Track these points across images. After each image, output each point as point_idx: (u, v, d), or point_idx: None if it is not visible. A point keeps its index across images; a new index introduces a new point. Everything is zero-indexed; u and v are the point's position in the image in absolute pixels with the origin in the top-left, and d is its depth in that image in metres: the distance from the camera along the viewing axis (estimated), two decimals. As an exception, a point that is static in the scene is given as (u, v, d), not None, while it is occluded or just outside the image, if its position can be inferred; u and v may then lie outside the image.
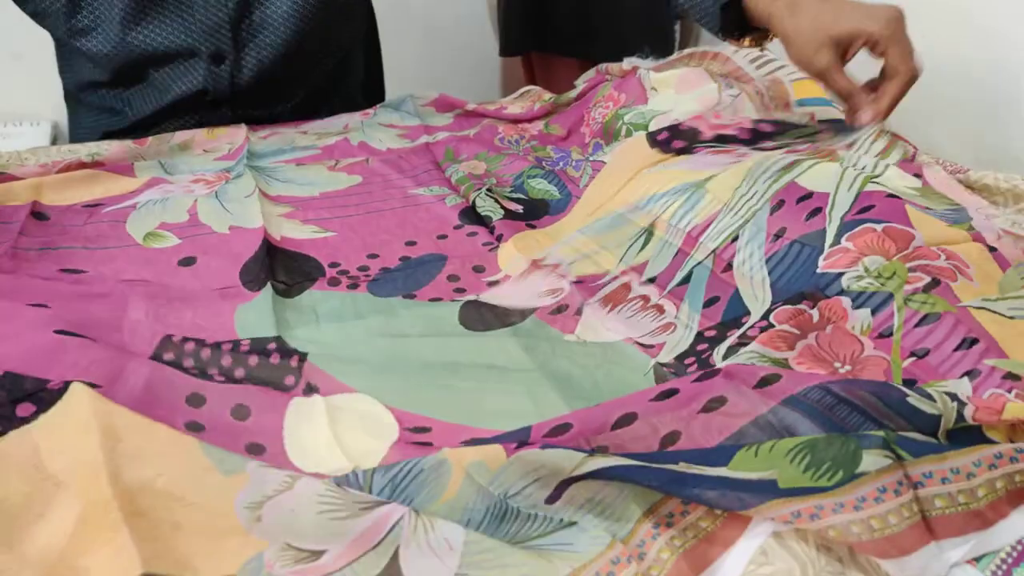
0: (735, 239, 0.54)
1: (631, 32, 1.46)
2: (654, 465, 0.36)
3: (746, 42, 0.76)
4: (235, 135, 0.85)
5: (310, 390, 0.45)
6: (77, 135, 0.97)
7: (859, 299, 0.47)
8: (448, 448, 0.37)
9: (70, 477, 0.34)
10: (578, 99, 0.89)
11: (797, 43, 0.62)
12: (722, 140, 0.66)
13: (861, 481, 0.35)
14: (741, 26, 0.72)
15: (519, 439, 0.37)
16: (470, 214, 0.69)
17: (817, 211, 0.53)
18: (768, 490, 0.35)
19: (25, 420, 0.36)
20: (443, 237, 0.66)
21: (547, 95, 0.92)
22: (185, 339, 0.48)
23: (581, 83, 0.90)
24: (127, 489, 0.34)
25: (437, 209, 0.70)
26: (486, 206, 0.68)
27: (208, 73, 0.88)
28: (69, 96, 0.97)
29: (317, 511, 0.34)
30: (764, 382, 0.41)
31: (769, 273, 0.51)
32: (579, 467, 0.36)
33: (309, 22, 0.89)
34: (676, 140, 0.68)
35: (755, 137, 0.66)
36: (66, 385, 0.37)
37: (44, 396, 0.37)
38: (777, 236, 0.53)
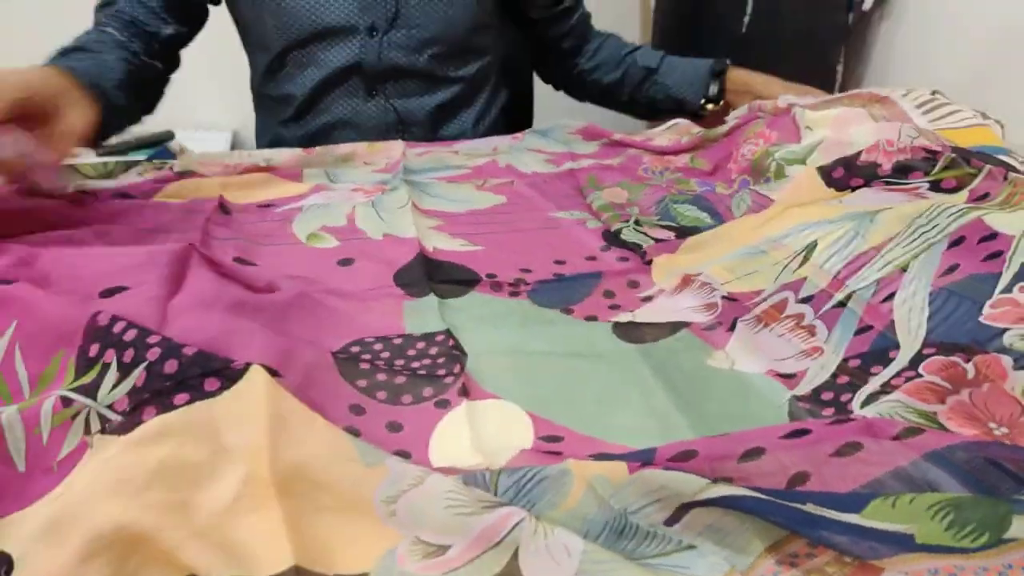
0: (904, 269, 0.52)
1: (788, 70, 1.42)
2: (781, 502, 0.35)
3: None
4: (392, 151, 0.91)
5: (463, 392, 0.48)
6: (260, 129, 1.11)
7: (1021, 360, 0.44)
8: (573, 459, 0.38)
9: (239, 452, 0.38)
10: (727, 135, 0.88)
11: None
12: (903, 171, 0.63)
13: (1010, 547, 0.32)
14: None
15: (643, 459, 0.38)
16: (613, 239, 0.70)
17: (998, 254, 0.49)
18: (904, 543, 0.34)
19: (211, 394, 0.40)
20: (592, 258, 0.67)
21: (695, 129, 0.92)
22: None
23: (732, 119, 0.89)
24: (284, 471, 0.37)
25: (579, 232, 0.72)
26: (635, 237, 0.69)
27: (362, 45, 0.96)
28: (255, 100, 1.10)
29: (444, 506, 0.35)
30: (905, 434, 0.39)
31: (929, 315, 0.48)
32: (701, 493, 0.35)
33: (456, 11, 0.97)
34: (854, 177, 0.65)
35: (935, 164, 0.62)
36: (247, 366, 0.41)
37: (228, 374, 0.40)
38: (948, 272, 0.50)
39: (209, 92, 1.70)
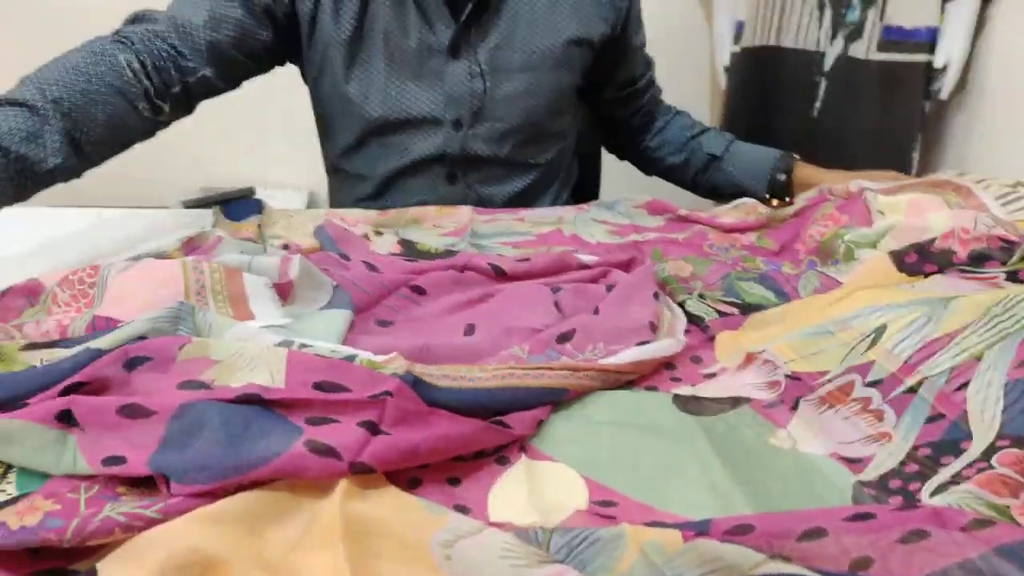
0: (978, 359, 0.50)
1: (863, 155, 1.41)
2: (841, 584, 0.34)
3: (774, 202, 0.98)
4: (461, 215, 0.93)
5: (522, 450, 0.48)
6: (334, 197, 1.13)
7: (1101, 457, 0.42)
8: (627, 524, 0.38)
9: (315, 490, 0.40)
10: (795, 216, 0.88)
11: None
12: (980, 259, 0.62)
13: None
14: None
15: (699, 529, 0.37)
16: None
17: (1078, 346, 0.48)
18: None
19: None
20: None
21: (762, 208, 0.92)
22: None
23: (801, 200, 0.89)
24: (349, 516, 0.38)
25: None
26: (699, 309, 0.69)
27: (447, 137, 0.99)
28: (329, 169, 1.13)
29: (499, 555, 0.36)
30: (975, 525, 0.38)
31: (1004, 407, 0.47)
32: (757, 568, 0.35)
33: (538, 101, 1.00)
34: (928, 263, 0.65)
35: (1012, 254, 0.61)
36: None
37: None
38: (1022, 364, 0.49)
39: (286, 152, 1.79)
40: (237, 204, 0.95)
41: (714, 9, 1.71)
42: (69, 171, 0.74)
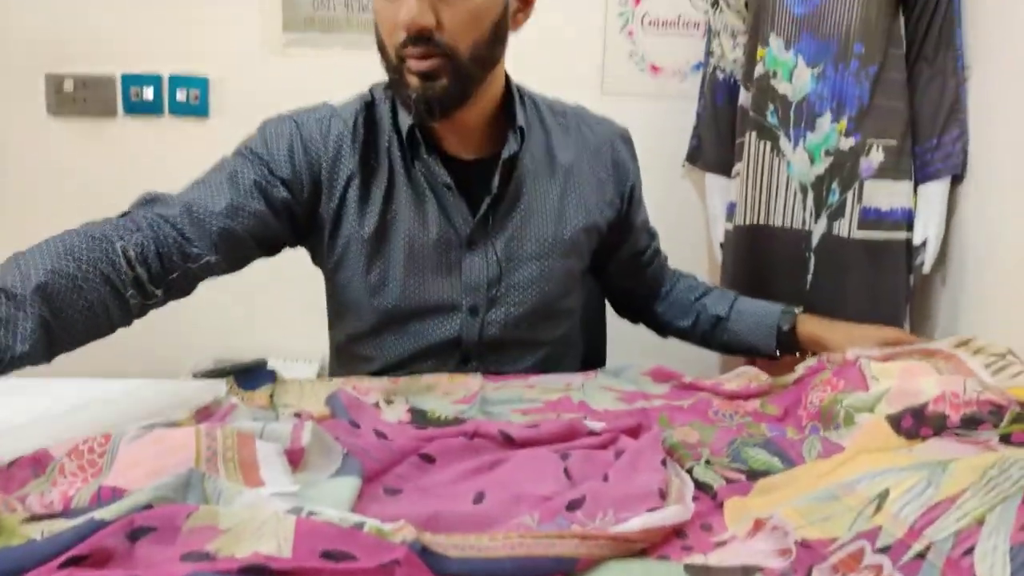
0: (981, 522, 0.51)
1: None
2: None
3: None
4: (472, 383, 0.96)
5: None
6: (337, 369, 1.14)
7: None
8: None
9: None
10: (796, 383, 0.91)
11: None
12: (972, 423, 0.64)
13: None
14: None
15: None
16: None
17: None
18: None
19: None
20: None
21: (764, 376, 0.95)
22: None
23: (801, 368, 0.92)
24: None
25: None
26: (706, 476, 0.70)
27: (463, 324, 1.02)
28: (336, 348, 1.14)
29: None
30: None
31: (1011, 572, 0.47)
32: None
33: (550, 286, 1.04)
34: (923, 427, 0.66)
35: (1002, 417, 0.63)
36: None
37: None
38: (1024, 528, 0.49)
39: (298, 322, 1.84)
40: (250, 375, 0.97)
41: (708, 191, 1.83)
42: (36, 358, 0.70)
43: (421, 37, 0.86)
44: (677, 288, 1.21)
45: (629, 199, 1.11)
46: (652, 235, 1.20)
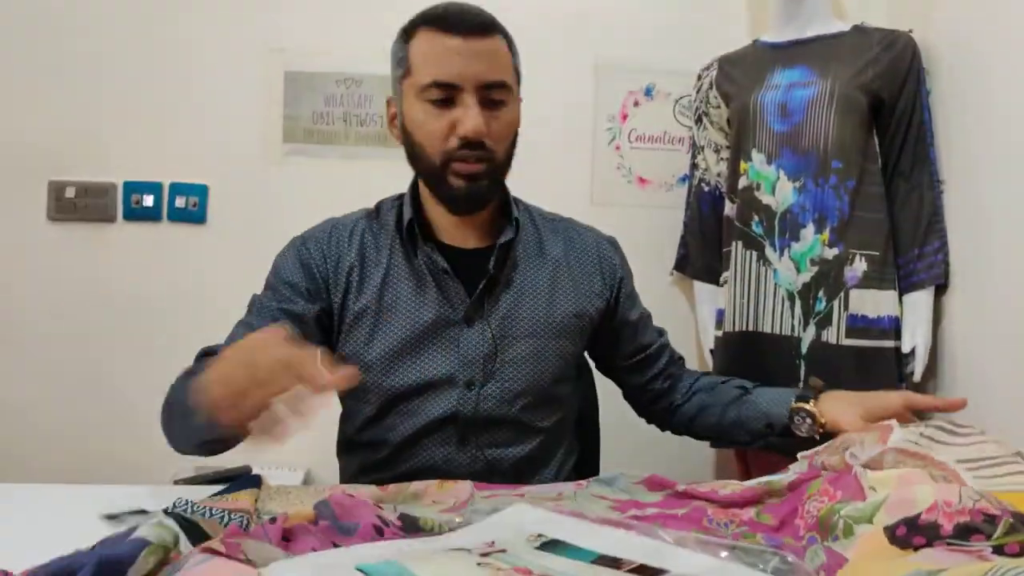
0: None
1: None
2: None
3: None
4: (461, 492, 0.94)
5: None
6: (345, 471, 1.14)
7: None
8: None
9: None
10: (790, 489, 0.89)
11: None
12: (965, 533, 0.62)
13: None
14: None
15: None
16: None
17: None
18: None
19: None
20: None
21: (756, 481, 0.93)
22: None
23: (792, 471, 0.91)
24: None
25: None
26: None
27: (460, 397, 1.04)
28: (342, 444, 1.15)
29: None
30: None
31: None
32: None
33: (543, 365, 1.07)
34: (916, 536, 0.65)
35: (995, 527, 0.62)
36: None
37: None
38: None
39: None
40: (235, 482, 0.95)
41: (697, 299, 1.86)
42: None
43: (476, 145, 0.97)
44: (703, 378, 1.22)
45: (618, 293, 1.15)
46: (659, 332, 1.23)
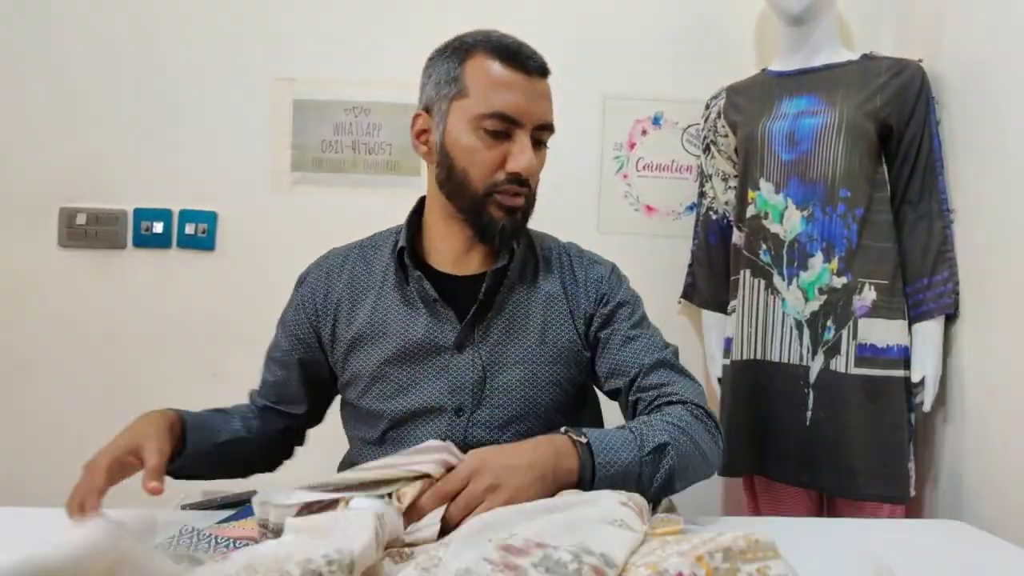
0: None
1: (861, 462, 1.43)
2: None
3: None
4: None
5: None
6: None
7: None
8: None
9: None
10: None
11: None
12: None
13: None
14: None
15: None
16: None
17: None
18: None
19: None
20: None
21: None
22: None
23: None
24: None
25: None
26: None
27: (449, 424, 1.03)
28: (343, 466, 1.14)
29: None
30: None
31: None
32: None
33: (536, 392, 1.05)
34: None
35: None
36: None
37: None
38: None
39: (293, 459, 1.81)
40: (239, 510, 0.95)
41: (704, 327, 1.85)
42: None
43: (523, 180, 1.00)
44: None
45: (597, 307, 1.09)
46: (655, 365, 1.11)
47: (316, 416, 1.19)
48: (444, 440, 1.02)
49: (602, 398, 1.21)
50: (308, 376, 1.13)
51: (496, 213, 1.01)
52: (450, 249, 1.07)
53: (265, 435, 1.14)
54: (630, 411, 1.13)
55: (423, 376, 1.05)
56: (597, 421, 1.26)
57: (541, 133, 1.02)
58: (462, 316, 1.04)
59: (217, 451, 1.05)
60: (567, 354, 1.08)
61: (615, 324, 1.09)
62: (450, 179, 1.02)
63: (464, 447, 1.03)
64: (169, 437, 0.94)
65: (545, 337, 1.07)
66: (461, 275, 1.07)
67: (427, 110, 1.05)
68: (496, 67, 0.98)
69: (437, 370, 1.05)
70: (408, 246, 1.06)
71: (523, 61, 0.99)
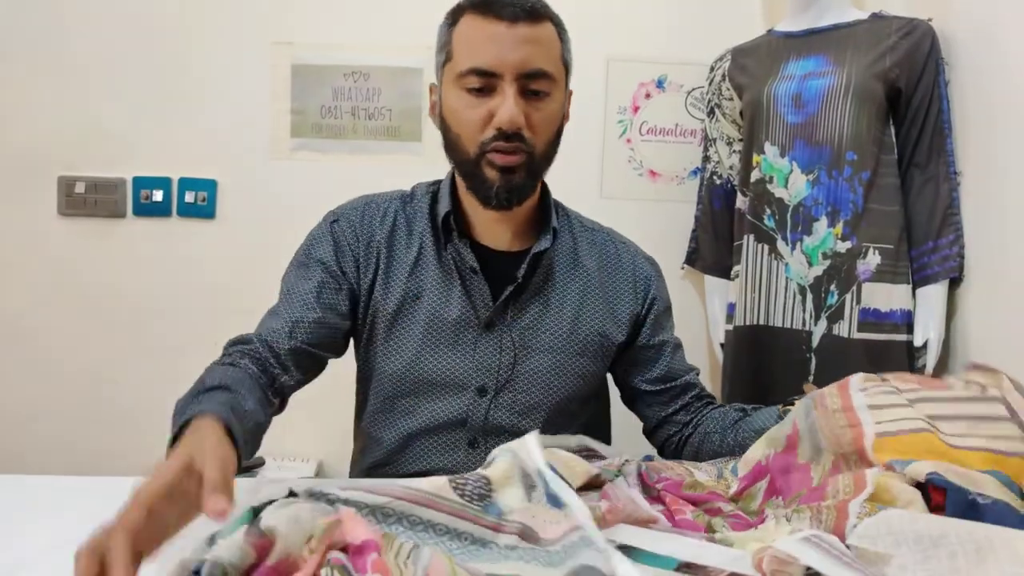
0: None
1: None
2: None
3: None
4: None
5: None
6: (355, 466, 1.13)
7: None
8: None
9: None
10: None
11: None
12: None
13: None
14: None
15: None
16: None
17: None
18: None
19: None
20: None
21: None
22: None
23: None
24: None
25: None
26: None
27: (471, 403, 1.01)
28: (357, 441, 1.14)
29: None
30: None
31: None
32: None
33: (561, 382, 1.03)
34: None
35: None
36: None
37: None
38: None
39: (299, 424, 1.82)
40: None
41: (707, 293, 1.84)
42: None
43: (513, 135, 0.93)
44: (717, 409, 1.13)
45: (647, 313, 1.09)
46: (691, 368, 1.14)
47: (293, 389, 1.01)
48: (464, 418, 1.01)
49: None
50: (324, 328, 1.00)
51: (490, 174, 0.95)
52: (483, 220, 1.03)
53: (267, 399, 0.94)
54: (668, 411, 1.11)
55: (449, 349, 1.01)
56: (606, 413, 1.24)
57: (533, 82, 0.94)
58: (495, 292, 1.01)
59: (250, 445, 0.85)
60: (595, 347, 1.06)
61: (667, 331, 1.11)
62: (448, 146, 1.00)
63: (484, 429, 1.03)
64: (230, 444, 0.71)
65: (577, 327, 1.04)
66: (498, 250, 1.03)
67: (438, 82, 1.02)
68: (474, 22, 0.95)
69: (464, 346, 1.02)
70: (453, 212, 1.01)
71: (499, 9, 0.93)
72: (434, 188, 1.07)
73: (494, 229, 1.03)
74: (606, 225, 1.15)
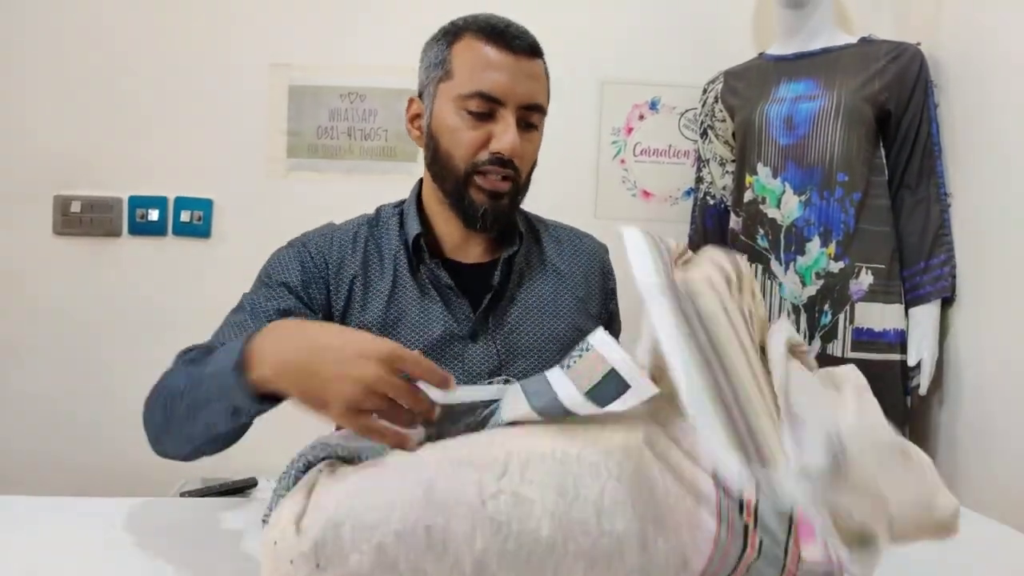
0: None
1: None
2: None
3: None
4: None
5: None
6: None
7: None
8: None
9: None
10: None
11: None
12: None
13: None
14: None
15: None
16: None
17: None
18: None
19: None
20: None
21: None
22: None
23: None
24: None
25: None
26: None
27: None
28: None
29: None
30: None
31: None
32: None
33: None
34: None
35: None
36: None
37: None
38: None
39: (286, 441, 1.80)
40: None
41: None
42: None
43: (508, 161, 0.97)
44: None
45: (612, 301, 1.17)
46: None
47: None
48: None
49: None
50: None
51: (477, 196, 0.98)
52: (453, 237, 1.05)
53: None
54: None
55: (438, 364, 1.02)
56: None
57: (529, 114, 0.99)
58: (473, 304, 1.04)
59: None
60: (574, 342, 1.08)
61: (617, 323, 1.17)
62: (435, 161, 1.01)
63: None
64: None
65: (555, 324, 1.07)
66: (466, 263, 1.06)
67: (420, 95, 1.04)
68: (481, 47, 0.97)
69: (452, 359, 1.03)
70: (423, 232, 1.04)
71: (508, 40, 0.97)
72: (400, 209, 1.09)
73: (465, 245, 1.06)
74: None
